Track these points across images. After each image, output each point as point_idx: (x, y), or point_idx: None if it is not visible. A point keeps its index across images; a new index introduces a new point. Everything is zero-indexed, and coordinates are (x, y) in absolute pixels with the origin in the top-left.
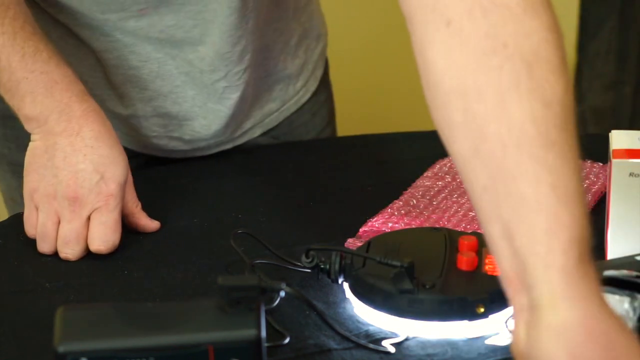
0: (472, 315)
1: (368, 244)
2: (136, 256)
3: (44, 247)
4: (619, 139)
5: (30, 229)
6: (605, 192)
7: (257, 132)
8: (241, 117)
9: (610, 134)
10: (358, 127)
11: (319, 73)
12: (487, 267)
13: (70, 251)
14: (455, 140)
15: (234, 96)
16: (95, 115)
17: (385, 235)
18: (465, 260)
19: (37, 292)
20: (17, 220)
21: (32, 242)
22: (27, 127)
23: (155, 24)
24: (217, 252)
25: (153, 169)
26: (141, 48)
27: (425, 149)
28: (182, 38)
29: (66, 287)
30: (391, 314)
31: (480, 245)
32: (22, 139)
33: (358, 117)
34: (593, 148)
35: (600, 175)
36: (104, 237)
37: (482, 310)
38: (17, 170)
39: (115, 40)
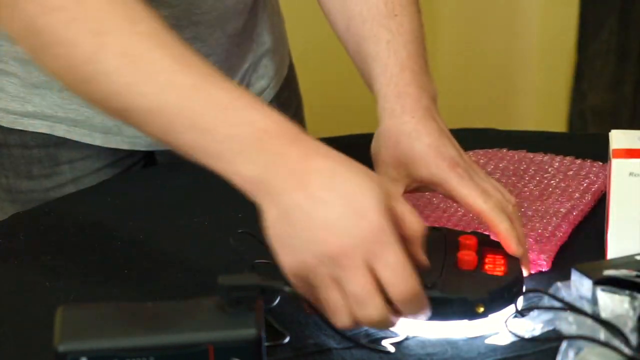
0: (472, 315)
1: None
2: (136, 256)
3: (342, 321)
4: (619, 139)
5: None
6: (605, 192)
7: None
8: None
9: (610, 134)
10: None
11: (287, 50)
12: (487, 267)
13: (372, 310)
14: (336, 22)
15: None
16: (314, 152)
17: None
18: (465, 259)
19: (37, 292)
20: (17, 220)
21: (32, 242)
22: (249, 194)
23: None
24: (217, 252)
25: (153, 169)
26: None
27: None
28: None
29: (66, 287)
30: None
31: (481, 245)
32: (20, 166)
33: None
34: (593, 148)
35: (600, 174)
36: (400, 282)
37: (481, 309)
38: (17, 198)
39: None
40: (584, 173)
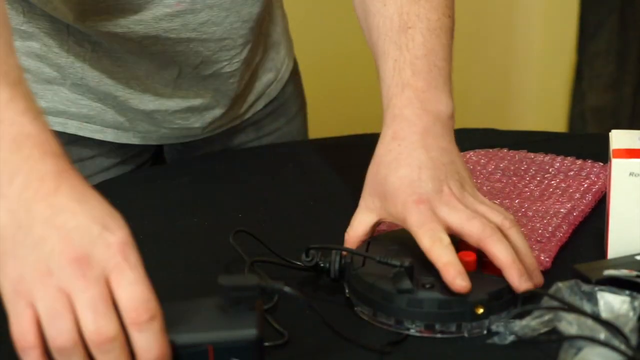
0: (472, 316)
1: (368, 244)
2: None
3: (59, 340)
4: (619, 139)
5: (26, 335)
6: (606, 192)
7: (260, 104)
8: (246, 91)
9: (610, 134)
10: (353, 128)
11: (292, 46)
12: (487, 268)
13: (105, 326)
14: (365, 31)
15: (240, 74)
16: (73, 172)
17: (385, 234)
18: (465, 260)
19: None
20: None
21: None
22: None
23: (189, 22)
24: (217, 251)
25: (153, 170)
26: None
27: None
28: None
29: None
30: (390, 314)
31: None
32: None
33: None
34: (593, 148)
35: (601, 175)
36: (141, 301)
37: (481, 311)
38: None
39: (148, 38)
40: (584, 174)
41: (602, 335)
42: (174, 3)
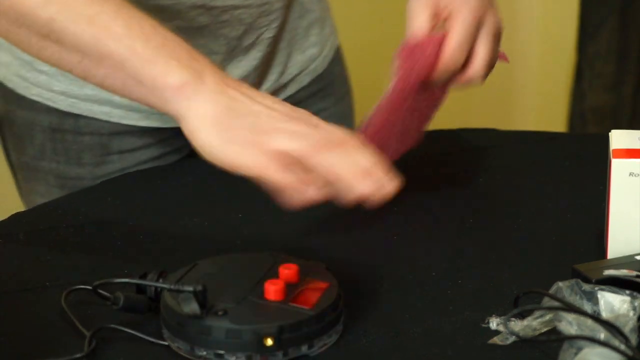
0: (262, 348)
1: (193, 266)
2: (136, 256)
3: (362, 185)
4: (619, 139)
5: (284, 176)
6: (606, 192)
7: (305, 79)
8: (281, 59)
9: (610, 134)
10: None
11: (333, 26)
12: (297, 298)
13: (364, 159)
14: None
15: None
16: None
17: (214, 258)
18: (272, 289)
19: (37, 292)
20: (17, 219)
21: (32, 242)
22: (173, 102)
23: None
24: (217, 252)
25: (153, 170)
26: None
27: (425, 148)
28: None
29: (66, 286)
30: (185, 340)
31: (303, 274)
32: (71, 152)
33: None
34: (593, 148)
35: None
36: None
37: (270, 342)
38: (65, 184)
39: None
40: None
41: (602, 335)
42: None
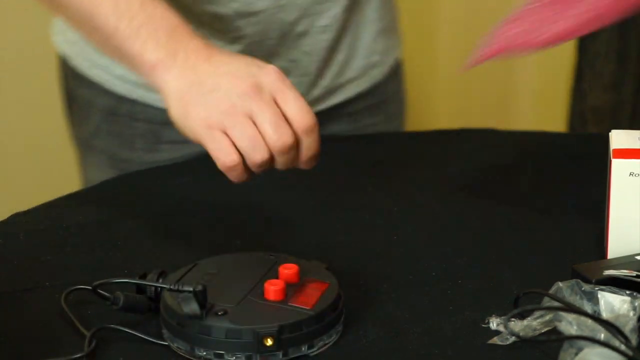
0: (262, 348)
1: (193, 266)
2: (136, 256)
3: (258, 155)
4: (619, 139)
5: (229, 155)
6: (606, 192)
7: (363, 85)
8: (341, 58)
9: (610, 134)
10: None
11: (399, 40)
12: (297, 298)
13: (286, 137)
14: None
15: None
16: (215, 45)
17: (214, 258)
18: (272, 289)
19: (37, 292)
20: (17, 219)
21: (32, 242)
22: (151, 76)
23: None
24: (217, 252)
25: (153, 169)
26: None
27: (425, 148)
28: None
29: (66, 286)
30: (185, 340)
31: (303, 275)
32: (125, 136)
33: None
34: (593, 148)
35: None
36: (306, 111)
37: (270, 342)
38: (116, 165)
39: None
40: None
41: (602, 335)
42: None
